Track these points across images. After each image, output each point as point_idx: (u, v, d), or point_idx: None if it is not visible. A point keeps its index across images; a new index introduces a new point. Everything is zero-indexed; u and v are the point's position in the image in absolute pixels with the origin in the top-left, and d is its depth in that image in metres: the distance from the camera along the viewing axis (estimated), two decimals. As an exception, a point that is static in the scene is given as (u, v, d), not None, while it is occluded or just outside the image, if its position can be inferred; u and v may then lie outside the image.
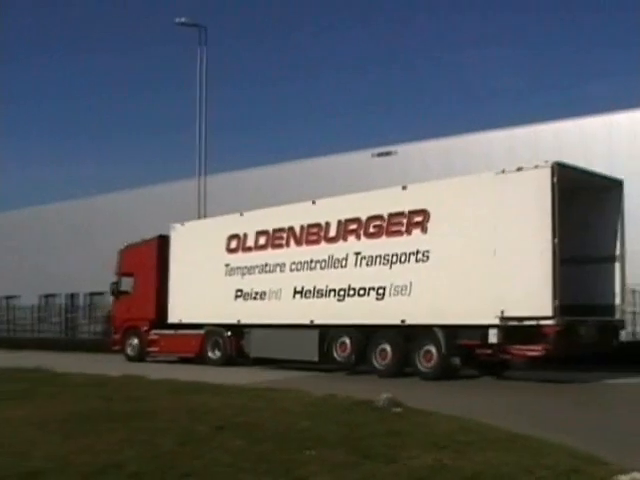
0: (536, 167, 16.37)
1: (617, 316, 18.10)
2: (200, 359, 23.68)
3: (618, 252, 18.13)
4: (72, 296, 47.56)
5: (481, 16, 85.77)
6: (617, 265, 18.15)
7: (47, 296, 49.01)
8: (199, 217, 28.52)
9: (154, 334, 25.55)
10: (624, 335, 19.90)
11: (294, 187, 33.50)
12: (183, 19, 30.60)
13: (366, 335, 19.48)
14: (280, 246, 21.72)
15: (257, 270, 22.32)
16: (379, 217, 19.23)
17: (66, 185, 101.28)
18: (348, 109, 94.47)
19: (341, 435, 9.23)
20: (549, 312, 15.74)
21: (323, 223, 20.55)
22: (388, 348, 18.83)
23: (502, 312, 16.33)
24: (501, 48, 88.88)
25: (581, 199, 18.14)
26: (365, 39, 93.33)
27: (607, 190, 18.38)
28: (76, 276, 45.63)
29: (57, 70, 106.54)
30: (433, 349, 17.81)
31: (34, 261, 48.36)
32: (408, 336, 18.60)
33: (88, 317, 44.37)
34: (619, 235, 18.16)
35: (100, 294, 44.27)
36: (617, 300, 18.11)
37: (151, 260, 26.01)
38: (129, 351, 26.65)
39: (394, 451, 8.21)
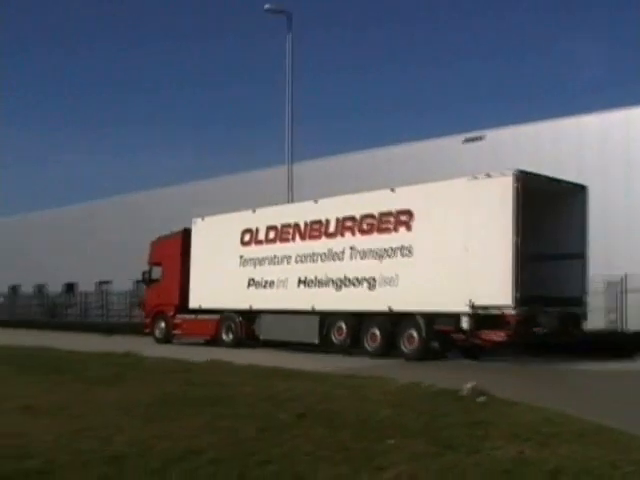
0: (501, 174, 18.52)
1: (580, 308, 20.14)
2: (215, 341, 26.11)
3: (582, 250, 20.26)
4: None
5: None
6: (581, 261, 20.27)
7: (139, 281, 49.93)
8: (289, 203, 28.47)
9: (178, 318, 28.07)
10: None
11: (383, 173, 33.24)
12: (268, 6, 30.50)
13: (359, 321, 21.72)
14: (287, 240, 24.14)
15: (267, 261, 24.70)
16: (371, 216, 21.55)
17: (167, 173, 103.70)
18: (437, 96, 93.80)
19: (423, 424, 9.12)
20: (510, 302, 17.80)
21: (324, 220, 22.90)
22: (377, 332, 21.15)
23: (472, 302, 18.45)
24: (590, 41, 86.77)
25: (548, 202, 20.10)
26: (456, 29, 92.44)
27: (573, 194, 20.40)
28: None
29: (151, 61, 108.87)
30: (415, 333, 20.07)
31: (127, 247, 49.39)
32: (394, 322, 20.73)
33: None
34: (584, 234, 20.31)
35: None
36: (581, 293, 20.22)
37: (176, 251, 28.37)
38: (157, 334, 29.17)
39: (476, 442, 8.06)
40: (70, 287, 53.00)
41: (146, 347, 22.61)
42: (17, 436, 8.55)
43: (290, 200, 30.01)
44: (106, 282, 51.12)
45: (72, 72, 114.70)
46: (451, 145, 33.29)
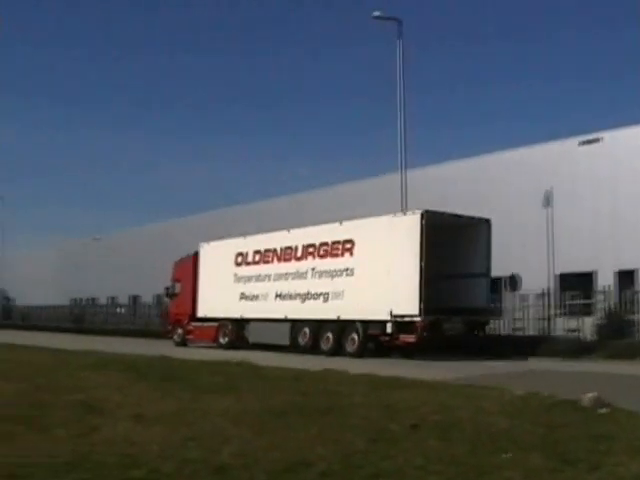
0: (412, 213, 24.22)
1: (482, 315, 25.66)
2: (215, 344, 32.09)
3: (487, 270, 25.36)
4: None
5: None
6: (486, 279, 25.48)
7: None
8: (402, 210, 28.36)
9: (191, 326, 34.09)
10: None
11: (494, 180, 32.57)
12: (378, 13, 30.32)
13: (318, 327, 26.93)
14: (268, 262, 30.20)
15: (254, 279, 30.65)
16: (326, 244, 27.25)
17: (284, 182, 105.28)
18: (548, 100, 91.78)
19: (540, 437, 8.63)
20: (417, 312, 22.99)
21: (293, 246, 28.80)
22: (330, 336, 26.33)
23: (392, 312, 23.75)
24: None
25: (457, 232, 25.44)
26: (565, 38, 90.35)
27: (477, 226, 25.52)
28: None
29: (255, 70, 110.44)
30: (355, 337, 25.35)
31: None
32: (341, 328, 25.96)
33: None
34: (488, 257, 25.28)
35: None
36: (485, 304, 25.65)
37: (189, 270, 34.42)
38: (176, 338, 34.89)
39: (598, 457, 7.55)
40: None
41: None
42: (126, 444, 8.53)
43: (404, 207, 29.83)
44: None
45: (179, 82, 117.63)
46: (567, 148, 32.18)
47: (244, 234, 32.45)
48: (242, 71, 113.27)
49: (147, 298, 56.79)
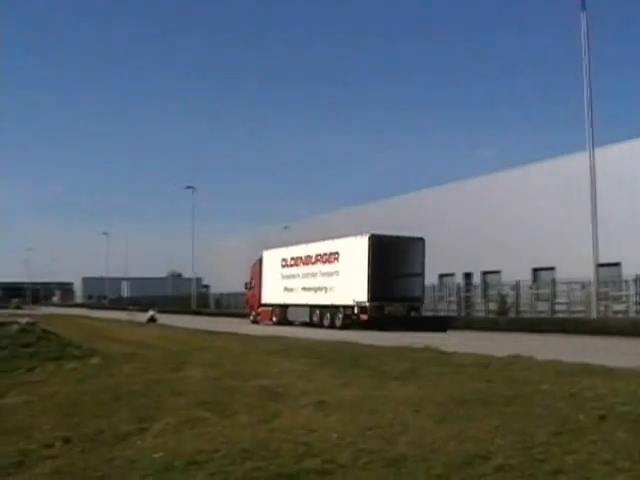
0: (365, 235, 35.84)
1: (418, 302, 37.73)
2: (270, 322, 44.86)
3: (421, 271, 37.44)
4: (467, 275, 48.06)
5: None
6: (420, 278, 37.60)
7: (444, 275, 50.02)
8: (591, 192, 27.56)
9: (259, 310, 47.51)
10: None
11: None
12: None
13: (322, 309, 39.22)
14: (297, 265, 43.19)
15: (291, 277, 43.56)
16: (326, 253, 39.88)
17: (464, 167, 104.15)
18: None
19: None
20: (366, 299, 35.30)
21: (310, 255, 41.82)
22: (328, 315, 38.52)
23: (355, 300, 36.06)
24: None
25: (399, 247, 37.06)
26: None
27: (414, 242, 37.16)
28: (471, 255, 46.01)
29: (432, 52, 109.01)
30: (341, 316, 37.40)
31: (430, 241, 49.58)
32: (334, 310, 38.15)
33: (483, 295, 44.48)
34: (422, 263, 37.14)
35: (495, 272, 44.21)
36: (418, 294, 37.71)
37: (257, 270, 48.56)
38: (251, 318, 48.79)
39: None
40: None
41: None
42: (304, 432, 8.59)
43: (593, 188, 28.87)
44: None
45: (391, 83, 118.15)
46: None
47: (287, 245, 46.01)
48: (414, 55, 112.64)
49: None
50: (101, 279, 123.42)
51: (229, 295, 73.01)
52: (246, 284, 51.50)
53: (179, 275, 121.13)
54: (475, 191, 48.40)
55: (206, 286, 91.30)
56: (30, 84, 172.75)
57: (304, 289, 41.29)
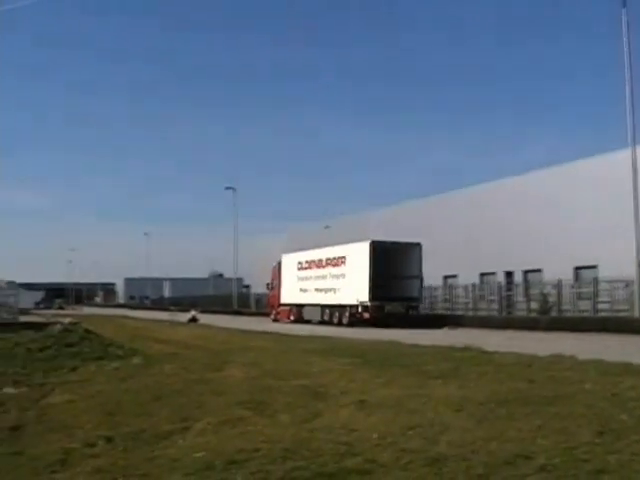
0: (366, 241, 39.37)
1: (416, 302, 41.24)
2: (288, 320, 47.66)
3: (419, 274, 40.74)
4: (508, 274, 47.70)
5: None
6: (418, 279, 40.94)
7: (484, 274, 49.70)
8: (633, 190, 27.33)
9: (279, 309, 50.57)
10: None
11: None
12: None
13: (331, 308, 42.24)
14: (311, 268, 46.53)
15: (305, 279, 47.04)
16: (334, 258, 43.37)
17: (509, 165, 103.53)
18: None
19: None
20: (368, 299, 38.40)
21: (322, 258, 45.22)
22: (337, 313, 41.43)
23: (358, 300, 39.19)
24: None
25: (398, 251, 40.48)
26: None
27: (412, 247, 40.59)
28: (512, 254, 45.66)
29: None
30: (347, 314, 40.32)
31: (472, 240, 49.33)
32: (341, 309, 41.15)
33: (524, 294, 44.11)
34: (420, 266, 40.50)
35: (536, 271, 43.84)
36: (416, 294, 41.15)
37: (277, 272, 51.85)
38: (272, 316, 51.20)
39: None
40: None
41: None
42: (345, 432, 8.57)
43: (636, 185, 28.51)
44: (452, 276, 51.48)
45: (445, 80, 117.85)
46: None
47: (303, 249, 49.75)
48: (461, 47, 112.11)
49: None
50: (143, 279, 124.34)
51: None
52: (268, 285, 54.85)
53: (220, 275, 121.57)
54: (517, 189, 47.99)
55: (247, 286, 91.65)
56: (73, 84, 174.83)
57: (316, 290, 44.85)
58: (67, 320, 29.32)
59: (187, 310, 52.45)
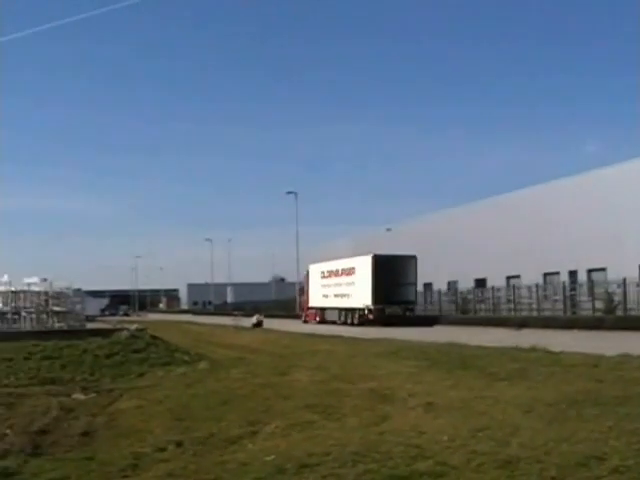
0: (368, 255, 47.29)
1: (412, 304, 47.34)
2: (314, 321, 53.22)
3: (414, 281, 47.48)
4: (572, 273, 46.98)
5: None
6: (414, 286, 47.64)
7: (548, 274, 49.04)
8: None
9: (308, 311, 56.54)
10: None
11: None
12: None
13: (346, 311, 48.96)
14: (330, 277, 53.22)
15: (327, 286, 53.39)
16: (347, 268, 50.48)
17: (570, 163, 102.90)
18: None
19: None
20: (371, 304, 45.39)
21: (339, 269, 52.10)
22: (350, 315, 47.93)
23: (365, 304, 46.08)
24: None
25: (398, 263, 46.92)
26: None
27: (409, 259, 47.16)
28: (576, 253, 44.99)
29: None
30: (357, 316, 46.86)
31: (535, 240, 48.69)
32: (352, 311, 47.97)
33: (589, 294, 43.41)
34: (415, 274, 47.21)
35: (601, 270, 43.14)
36: (412, 298, 47.43)
37: (307, 280, 58.46)
38: (303, 318, 56.22)
39: None
40: (481, 282, 53.55)
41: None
42: (414, 434, 8.54)
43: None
44: (515, 276, 50.90)
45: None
46: None
47: (326, 260, 55.86)
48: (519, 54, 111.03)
49: (441, 285, 57.22)
50: (206, 285, 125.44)
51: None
52: (299, 290, 65.37)
53: (282, 280, 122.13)
54: (580, 188, 47.25)
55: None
56: (133, 87, 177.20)
57: (335, 296, 51.65)
58: (133, 326, 29.73)
59: (250, 315, 52.69)
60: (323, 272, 54.94)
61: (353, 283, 48.85)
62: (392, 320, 42.20)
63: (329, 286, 53.02)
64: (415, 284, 47.76)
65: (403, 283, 46.83)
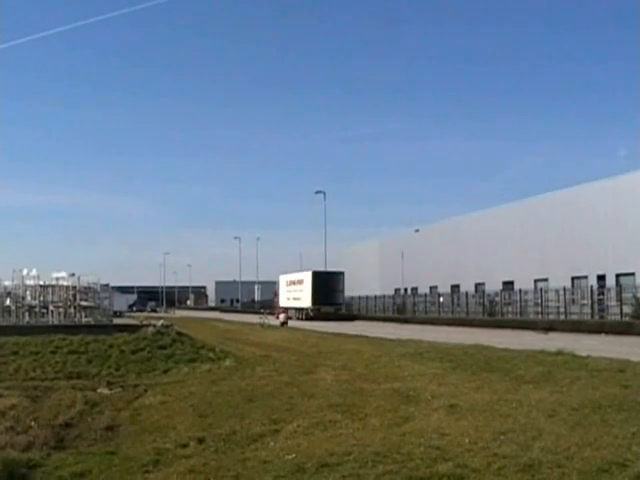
0: (308, 271, 67.32)
1: (340, 305, 66.13)
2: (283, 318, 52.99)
3: (341, 289, 65.84)
4: (601, 277, 46.56)
5: None
6: (341, 292, 65.95)
7: (576, 278, 48.64)
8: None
9: (279, 310, 59.13)
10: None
11: None
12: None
13: (298, 310, 65.63)
14: (290, 285, 71.06)
15: (289, 292, 71.08)
16: (299, 279, 69.57)
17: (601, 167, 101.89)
18: None
19: None
20: (310, 304, 63.65)
21: (294, 279, 70.27)
22: (301, 313, 64.68)
23: (308, 305, 64.03)
24: None
25: (329, 277, 65.47)
26: None
27: (339, 274, 65.98)
28: (604, 257, 44.60)
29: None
30: (304, 313, 63.58)
31: (564, 243, 48.33)
32: (303, 310, 64.66)
33: (617, 298, 43.00)
34: (342, 285, 65.86)
35: (629, 275, 42.72)
36: (340, 301, 66.26)
37: (277, 287, 77.12)
38: (275, 316, 54.97)
39: None
40: (508, 285, 53.22)
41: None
42: (436, 436, 8.50)
43: None
44: (543, 279, 50.53)
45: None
46: None
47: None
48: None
49: (468, 287, 56.92)
50: (234, 283, 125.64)
51: (360, 298, 73.51)
52: (274, 294, 79.88)
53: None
54: (609, 192, 46.80)
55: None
56: (167, 94, 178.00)
57: (293, 299, 68.84)
58: (160, 322, 29.87)
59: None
60: (287, 281, 73.32)
61: (302, 290, 66.37)
62: (327, 316, 58.16)
63: (290, 292, 70.91)
64: (342, 292, 66.01)
65: (334, 290, 64.67)
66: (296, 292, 68.56)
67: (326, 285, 64.16)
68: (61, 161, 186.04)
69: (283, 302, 71.33)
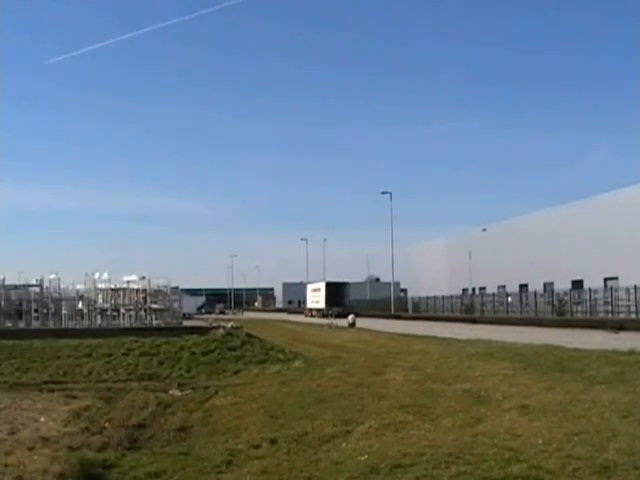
0: (322, 283, 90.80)
1: (346, 307, 75.52)
2: (310, 317, 79.34)
3: (347, 295, 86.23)
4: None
5: None
6: (346, 297, 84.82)
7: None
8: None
9: (306, 311, 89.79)
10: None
11: None
12: None
13: (322, 311, 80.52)
14: (313, 292, 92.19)
15: (312, 296, 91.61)
16: (318, 288, 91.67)
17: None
18: None
19: None
20: (324, 306, 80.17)
21: (315, 287, 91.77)
22: (318, 312, 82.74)
23: (323, 306, 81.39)
24: None
25: (340, 288, 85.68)
26: None
27: (346, 284, 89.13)
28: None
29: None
30: (321, 312, 78.88)
31: (634, 240, 47.41)
32: (320, 310, 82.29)
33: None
34: (348, 292, 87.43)
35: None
36: (346, 304, 80.00)
37: (305, 293, 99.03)
38: (304, 315, 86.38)
39: None
40: (577, 284, 52.44)
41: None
42: (509, 437, 8.43)
43: None
44: (613, 278, 49.64)
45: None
46: None
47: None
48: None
49: (536, 286, 56.26)
50: (301, 284, 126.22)
51: (427, 299, 73.22)
52: (305, 298, 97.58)
53: (377, 279, 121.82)
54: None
55: (404, 290, 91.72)
56: (232, 88, 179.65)
57: (315, 302, 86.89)
58: (229, 324, 30.17)
59: (345, 315, 52.82)
60: (311, 289, 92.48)
61: (320, 295, 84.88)
62: (336, 315, 62.20)
63: (313, 297, 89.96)
64: (348, 297, 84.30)
65: (341, 296, 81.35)
66: (316, 297, 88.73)
67: (336, 292, 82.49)
68: (128, 161, 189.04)
69: (309, 304, 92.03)
